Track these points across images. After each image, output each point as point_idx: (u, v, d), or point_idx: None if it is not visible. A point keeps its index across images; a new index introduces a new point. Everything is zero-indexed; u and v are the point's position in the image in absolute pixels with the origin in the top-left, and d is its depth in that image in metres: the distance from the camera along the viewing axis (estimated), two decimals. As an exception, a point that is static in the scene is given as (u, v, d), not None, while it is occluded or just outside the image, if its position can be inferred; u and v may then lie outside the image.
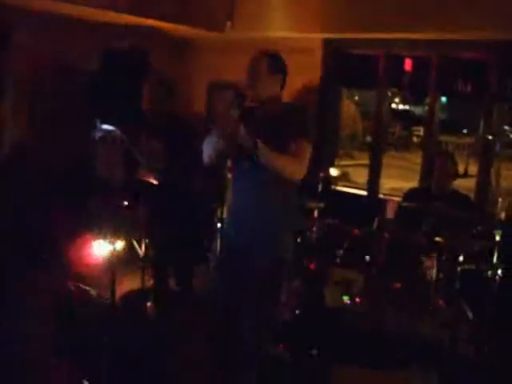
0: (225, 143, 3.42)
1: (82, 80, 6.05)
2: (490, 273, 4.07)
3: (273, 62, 3.61)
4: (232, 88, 3.97)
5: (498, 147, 5.85)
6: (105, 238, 4.13)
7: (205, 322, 3.97)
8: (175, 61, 7.21)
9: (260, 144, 3.24)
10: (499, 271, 4.06)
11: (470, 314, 3.95)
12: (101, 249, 4.37)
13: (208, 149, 3.62)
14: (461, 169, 6.14)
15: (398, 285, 3.78)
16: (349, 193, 6.88)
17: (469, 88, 6.13)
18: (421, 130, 20.59)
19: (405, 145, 21.57)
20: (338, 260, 4.49)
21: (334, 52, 6.53)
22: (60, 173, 5.36)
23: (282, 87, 3.63)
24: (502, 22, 5.16)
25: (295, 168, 3.36)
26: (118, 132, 4.51)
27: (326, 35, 6.36)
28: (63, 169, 5.31)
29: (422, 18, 5.51)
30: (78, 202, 4.57)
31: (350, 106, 13.74)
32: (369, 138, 15.65)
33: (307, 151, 3.41)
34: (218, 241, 4.93)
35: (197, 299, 4.89)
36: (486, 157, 5.84)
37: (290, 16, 6.36)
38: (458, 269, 4.08)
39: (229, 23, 6.60)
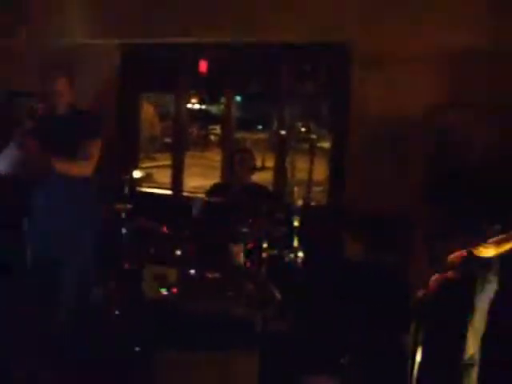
0: (23, 156, 3.49)
1: None
2: (291, 256, 4.43)
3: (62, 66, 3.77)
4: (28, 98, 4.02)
5: (291, 142, 6.29)
6: None
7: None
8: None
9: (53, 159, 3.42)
10: (299, 254, 4.42)
11: (278, 295, 4.27)
12: None
13: (4, 162, 3.65)
14: (258, 162, 6.51)
15: (211, 273, 4.02)
16: (154, 193, 7.05)
17: (262, 87, 6.49)
18: (217, 129, 21.19)
19: (204, 144, 22.03)
20: (152, 257, 4.63)
21: (130, 56, 6.61)
22: None
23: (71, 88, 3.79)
24: (290, 26, 5.60)
25: (84, 167, 3.61)
26: None
27: (123, 40, 6.45)
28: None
29: (215, 23, 5.82)
30: None
31: (148, 109, 13.81)
32: (168, 139, 15.83)
33: (97, 150, 3.69)
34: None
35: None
36: (280, 151, 6.25)
37: (86, 21, 6.37)
38: (264, 255, 4.41)
39: (23, 29, 6.45)
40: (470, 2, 5.03)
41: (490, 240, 3.65)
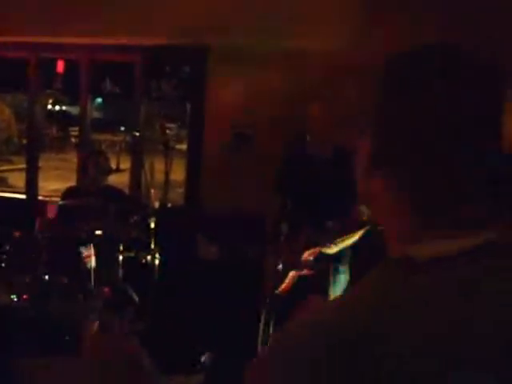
0: None
1: None
2: (148, 258, 4.45)
3: None
4: None
5: (148, 143, 6.29)
6: None
7: None
8: None
9: None
10: (156, 255, 4.45)
11: (135, 297, 4.28)
12: None
13: None
14: (113, 165, 6.47)
15: (63, 278, 3.97)
16: (8, 197, 6.85)
17: (119, 88, 6.48)
18: (76, 130, 20.68)
19: (62, 146, 21.46)
20: (3, 263, 4.51)
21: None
22: None
23: None
24: (147, 28, 5.62)
25: None
26: None
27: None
28: None
29: (70, 23, 5.73)
30: None
31: (3, 109, 13.35)
32: (24, 141, 15.32)
33: None
34: None
35: None
36: (135, 152, 6.24)
37: None
38: (120, 257, 4.41)
39: None
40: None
41: (338, 239, 3.85)
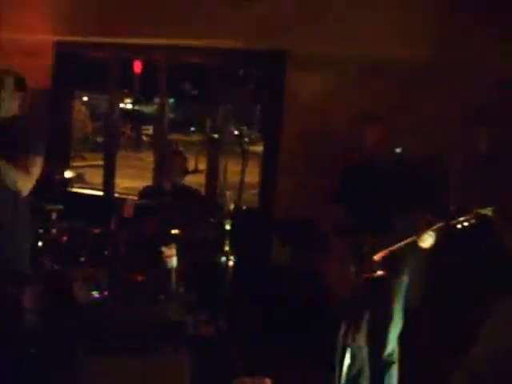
0: None
1: None
2: (223, 259, 4.47)
3: (17, 82, 3.72)
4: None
5: (223, 145, 6.32)
6: None
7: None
8: None
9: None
10: (231, 257, 4.46)
11: (210, 298, 4.31)
12: None
13: None
14: (191, 165, 6.53)
15: (141, 276, 4.02)
16: (85, 194, 6.98)
17: (195, 90, 6.55)
18: (150, 129, 21.02)
19: (136, 144, 21.89)
20: (83, 259, 4.61)
21: (65, 55, 6.52)
22: None
23: (23, 105, 3.77)
24: (225, 32, 5.65)
25: (24, 182, 3.55)
26: None
27: (57, 38, 6.37)
28: None
29: (153, 25, 5.83)
30: None
31: (80, 108, 13.66)
32: (99, 139, 15.66)
33: (36, 165, 3.61)
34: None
35: None
36: (212, 154, 6.29)
37: (20, 17, 6.27)
38: (195, 257, 4.45)
39: None
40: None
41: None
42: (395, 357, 4.08)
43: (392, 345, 4.04)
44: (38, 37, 6.30)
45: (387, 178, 4.01)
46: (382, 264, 3.90)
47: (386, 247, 3.86)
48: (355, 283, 3.97)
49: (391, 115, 4.49)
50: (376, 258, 3.90)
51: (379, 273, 3.89)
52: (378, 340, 4.05)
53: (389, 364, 4.07)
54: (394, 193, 3.89)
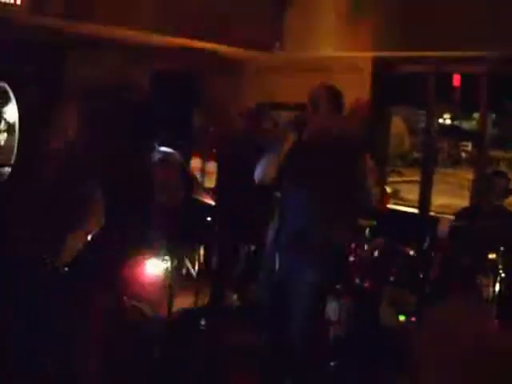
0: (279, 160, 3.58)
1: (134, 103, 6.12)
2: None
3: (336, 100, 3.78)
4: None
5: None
6: (158, 256, 4.22)
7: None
8: (226, 82, 7.22)
9: None
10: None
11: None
12: (155, 267, 4.42)
13: (262, 168, 3.75)
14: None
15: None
16: (399, 210, 6.87)
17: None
18: (469, 146, 20.31)
19: (453, 160, 21.33)
20: (392, 279, 4.46)
21: (383, 70, 6.52)
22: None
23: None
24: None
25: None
26: (177, 153, 4.61)
27: (376, 53, 6.37)
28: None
29: (472, 35, 5.52)
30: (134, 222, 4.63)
31: (397, 123, 13.67)
32: (416, 154, 15.50)
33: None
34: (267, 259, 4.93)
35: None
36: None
37: (340, 35, 6.39)
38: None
39: (277, 43, 6.62)
40: None
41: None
42: None
43: None
44: (357, 53, 6.36)
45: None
46: None
47: None
48: None
49: None
50: None
51: None
52: None
53: None
54: None
